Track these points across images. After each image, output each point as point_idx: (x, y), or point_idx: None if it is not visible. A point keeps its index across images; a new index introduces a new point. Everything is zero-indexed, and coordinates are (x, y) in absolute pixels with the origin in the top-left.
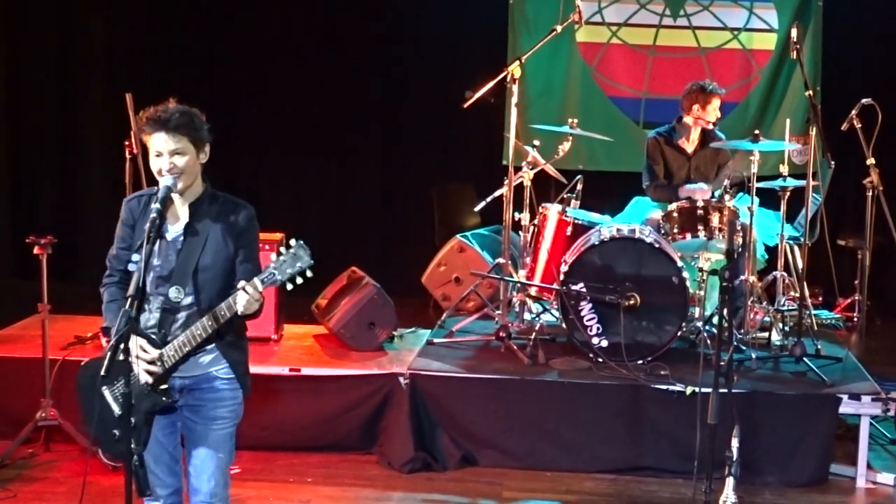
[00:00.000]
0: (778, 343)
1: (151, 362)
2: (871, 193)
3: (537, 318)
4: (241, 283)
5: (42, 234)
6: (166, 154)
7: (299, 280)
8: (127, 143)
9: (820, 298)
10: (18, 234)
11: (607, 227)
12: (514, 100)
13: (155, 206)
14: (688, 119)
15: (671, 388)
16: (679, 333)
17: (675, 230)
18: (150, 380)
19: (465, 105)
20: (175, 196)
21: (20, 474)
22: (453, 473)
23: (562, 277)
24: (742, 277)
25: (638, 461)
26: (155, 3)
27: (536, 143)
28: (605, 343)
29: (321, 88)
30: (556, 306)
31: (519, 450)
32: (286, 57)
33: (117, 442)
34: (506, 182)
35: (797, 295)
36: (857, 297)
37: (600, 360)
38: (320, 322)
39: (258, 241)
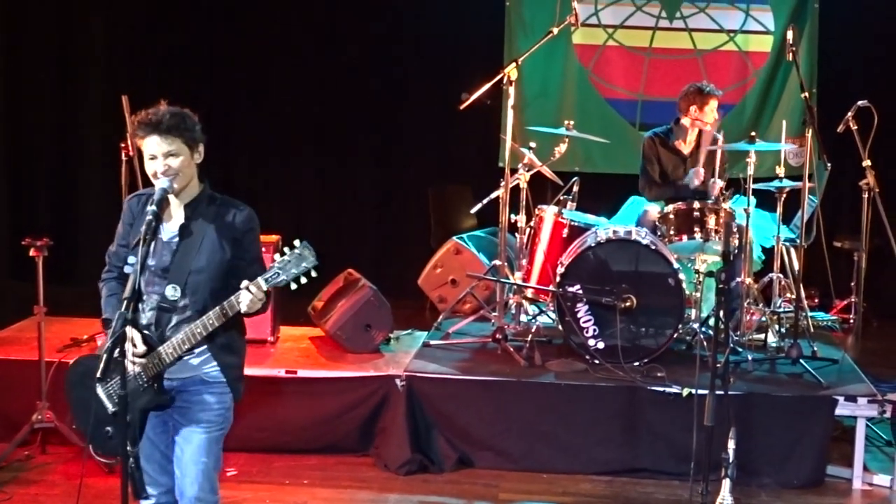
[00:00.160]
0: (774, 345)
1: (141, 356)
2: (867, 195)
3: (534, 320)
4: (245, 283)
5: (39, 236)
6: (160, 156)
7: (304, 280)
8: (123, 145)
9: (816, 300)
10: (16, 235)
11: (603, 228)
12: (511, 102)
13: (151, 208)
14: (685, 120)
15: (667, 389)
16: (675, 335)
17: (672, 232)
18: (140, 371)
19: (462, 107)
20: (171, 197)
21: (16, 476)
22: (450, 475)
23: (558, 279)
24: (738, 279)
25: (634, 463)
26: (154, 4)
27: (533, 144)
28: (601, 345)
29: (318, 90)
30: (552, 308)
31: (515, 451)
32: (284, 58)
33: (110, 439)
34: (502, 184)
35: (793, 297)
36: (853, 299)
37: (597, 361)
38: (317, 324)
39: (259, 242)
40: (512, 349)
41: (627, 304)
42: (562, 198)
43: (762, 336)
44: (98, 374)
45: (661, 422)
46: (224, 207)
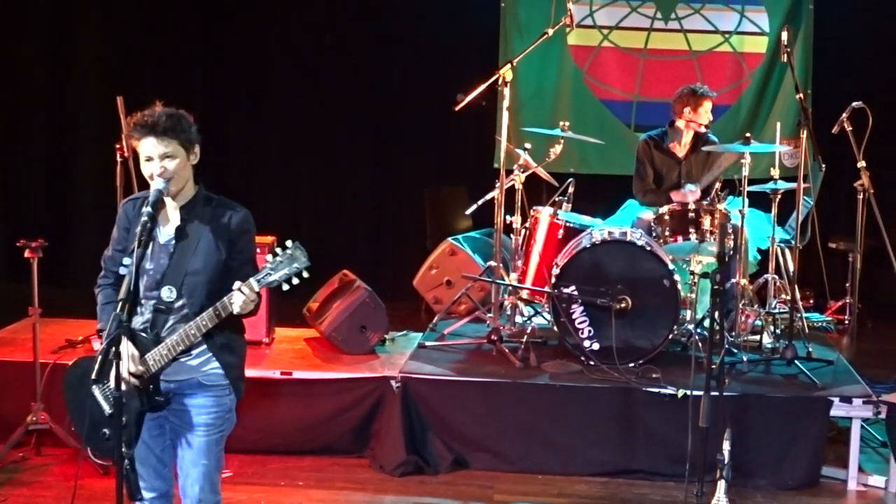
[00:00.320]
0: (769, 346)
1: (135, 374)
2: (861, 196)
3: (529, 322)
4: (237, 284)
5: (33, 237)
6: (156, 158)
7: (295, 281)
8: (118, 146)
9: (811, 301)
10: (10, 236)
11: (599, 229)
12: (506, 103)
13: (146, 209)
14: (679, 123)
15: (663, 391)
16: (670, 336)
17: (667, 233)
18: (136, 382)
19: (457, 108)
20: (167, 199)
21: (11, 478)
22: (445, 477)
23: (553, 280)
24: (733, 280)
25: (629, 464)
26: (150, 4)
27: (528, 146)
28: (596, 346)
29: (314, 91)
30: (547, 309)
31: (510, 453)
32: (279, 59)
33: (107, 441)
34: (497, 185)
35: (788, 298)
36: (848, 300)
37: (592, 363)
38: (312, 325)
39: (254, 244)
40: (507, 350)
41: (623, 305)
42: (557, 199)
43: (757, 337)
44: (93, 376)
45: (656, 423)
46: (220, 208)
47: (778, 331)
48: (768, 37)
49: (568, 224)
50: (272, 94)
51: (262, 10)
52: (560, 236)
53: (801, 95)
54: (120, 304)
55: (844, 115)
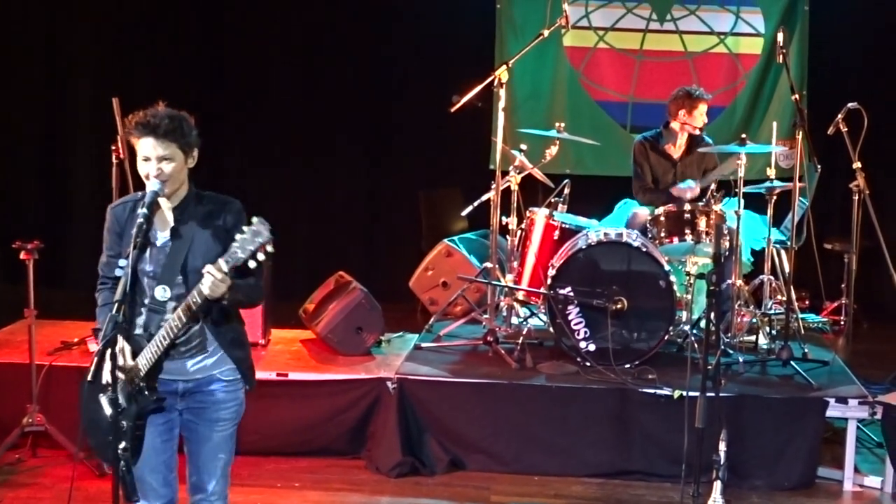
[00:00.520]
0: (765, 347)
1: (125, 369)
2: (857, 197)
3: (525, 323)
4: (207, 267)
5: (29, 238)
6: (154, 160)
7: (261, 256)
8: (114, 147)
9: (807, 302)
10: (6, 238)
11: (594, 231)
12: (502, 104)
13: (142, 210)
14: (674, 124)
15: (659, 391)
16: (666, 337)
17: (663, 234)
18: (128, 381)
19: (453, 109)
20: (162, 201)
21: (7, 480)
22: (441, 478)
23: (549, 281)
24: (729, 281)
25: (626, 465)
26: (146, 5)
27: (524, 147)
28: (592, 347)
29: (310, 93)
30: (543, 310)
31: (507, 454)
32: (274, 60)
33: (112, 447)
34: (493, 186)
35: (784, 298)
36: (843, 301)
37: (588, 364)
38: (308, 327)
39: None
40: (503, 351)
41: (618, 306)
42: (553, 200)
43: (753, 338)
44: (89, 378)
45: (652, 424)
46: (212, 205)
47: (774, 332)
48: (764, 38)
49: (564, 225)
50: (270, 94)
51: (260, 11)
52: (556, 237)
53: (797, 96)
54: (116, 305)
55: (840, 115)
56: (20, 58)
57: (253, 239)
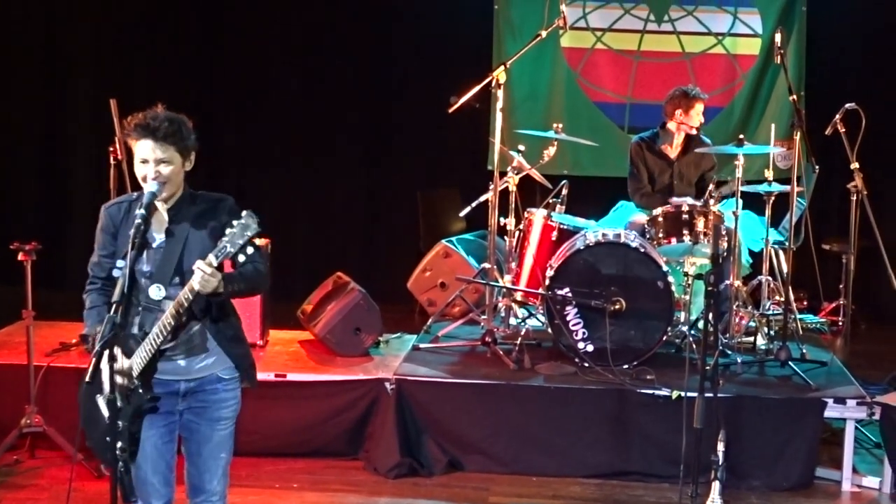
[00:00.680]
0: (763, 347)
1: (123, 374)
2: (855, 198)
3: (523, 323)
4: (197, 263)
5: (27, 240)
6: (152, 162)
7: (250, 250)
8: (111, 148)
9: (805, 303)
10: (4, 239)
11: (592, 231)
12: (499, 105)
13: (140, 211)
14: (671, 124)
15: (657, 392)
16: (665, 338)
17: (661, 235)
18: (125, 381)
19: (451, 110)
20: (158, 203)
21: (5, 481)
22: (439, 479)
23: (547, 282)
24: (727, 282)
25: (624, 466)
26: (143, 6)
27: (521, 147)
28: (590, 348)
29: (308, 93)
30: (541, 311)
31: (505, 455)
32: (272, 61)
33: (110, 448)
34: (491, 187)
35: (782, 299)
36: (841, 302)
37: (586, 364)
38: (306, 328)
39: None
40: (501, 352)
41: (617, 306)
42: (551, 201)
43: (751, 339)
44: (87, 379)
45: (650, 424)
46: (205, 203)
47: (772, 332)
48: (761, 38)
49: (562, 226)
50: (269, 94)
51: (260, 11)
52: (554, 238)
53: (795, 97)
54: (114, 306)
55: (838, 116)
56: (20, 58)
57: (242, 233)
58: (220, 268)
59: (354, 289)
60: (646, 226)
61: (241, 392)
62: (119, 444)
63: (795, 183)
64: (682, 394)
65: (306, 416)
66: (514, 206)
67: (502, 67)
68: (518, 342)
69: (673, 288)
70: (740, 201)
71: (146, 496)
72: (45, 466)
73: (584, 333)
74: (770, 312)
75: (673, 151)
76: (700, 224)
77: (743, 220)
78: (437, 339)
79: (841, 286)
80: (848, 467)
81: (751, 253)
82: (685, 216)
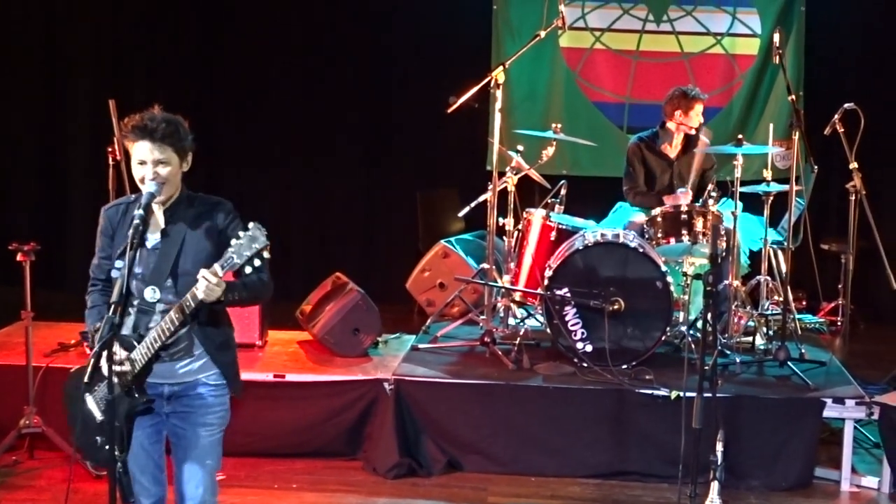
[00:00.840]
0: (762, 347)
1: (120, 363)
2: (854, 198)
3: (522, 324)
4: (202, 272)
5: (26, 240)
6: (150, 163)
7: (257, 262)
8: (110, 149)
9: (804, 303)
10: (2, 239)
11: (591, 231)
12: (498, 105)
13: (138, 212)
14: (670, 125)
15: (656, 392)
16: (663, 338)
17: (660, 235)
18: (120, 381)
19: (449, 110)
20: (154, 204)
21: (4, 482)
22: (438, 479)
23: (546, 282)
24: (726, 282)
25: (623, 466)
26: (142, 7)
27: (520, 148)
28: (589, 348)
29: (306, 94)
30: (540, 311)
31: (504, 455)
32: (270, 62)
33: (100, 449)
34: (490, 187)
35: (781, 299)
36: (840, 302)
37: (585, 364)
38: (305, 328)
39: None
40: (500, 352)
41: (615, 307)
42: (549, 201)
43: (750, 339)
44: (86, 379)
45: (649, 424)
46: (203, 206)
47: (770, 332)
48: (760, 38)
49: (560, 226)
50: (269, 94)
51: (260, 11)
52: (552, 238)
53: (793, 97)
54: (112, 307)
55: (836, 116)
56: (20, 58)
57: (250, 245)
58: None
59: (353, 289)
60: (644, 226)
61: (230, 400)
62: (116, 445)
63: (794, 183)
64: (681, 394)
65: (305, 417)
66: (512, 206)
67: (501, 68)
68: (517, 342)
69: (672, 288)
70: (739, 202)
71: (136, 495)
72: (44, 467)
73: (582, 333)
74: (769, 312)
75: (672, 151)
76: (699, 224)
77: (741, 220)
78: (436, 340)
79: (840, 286)
80: (847, 467)
81: (750, 253)
82: (684, 216)
